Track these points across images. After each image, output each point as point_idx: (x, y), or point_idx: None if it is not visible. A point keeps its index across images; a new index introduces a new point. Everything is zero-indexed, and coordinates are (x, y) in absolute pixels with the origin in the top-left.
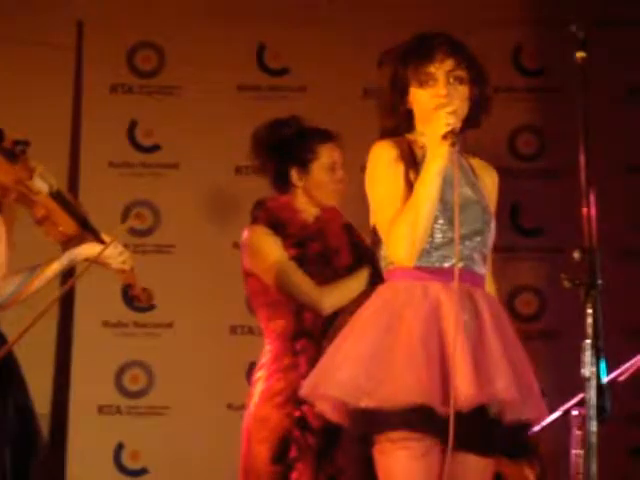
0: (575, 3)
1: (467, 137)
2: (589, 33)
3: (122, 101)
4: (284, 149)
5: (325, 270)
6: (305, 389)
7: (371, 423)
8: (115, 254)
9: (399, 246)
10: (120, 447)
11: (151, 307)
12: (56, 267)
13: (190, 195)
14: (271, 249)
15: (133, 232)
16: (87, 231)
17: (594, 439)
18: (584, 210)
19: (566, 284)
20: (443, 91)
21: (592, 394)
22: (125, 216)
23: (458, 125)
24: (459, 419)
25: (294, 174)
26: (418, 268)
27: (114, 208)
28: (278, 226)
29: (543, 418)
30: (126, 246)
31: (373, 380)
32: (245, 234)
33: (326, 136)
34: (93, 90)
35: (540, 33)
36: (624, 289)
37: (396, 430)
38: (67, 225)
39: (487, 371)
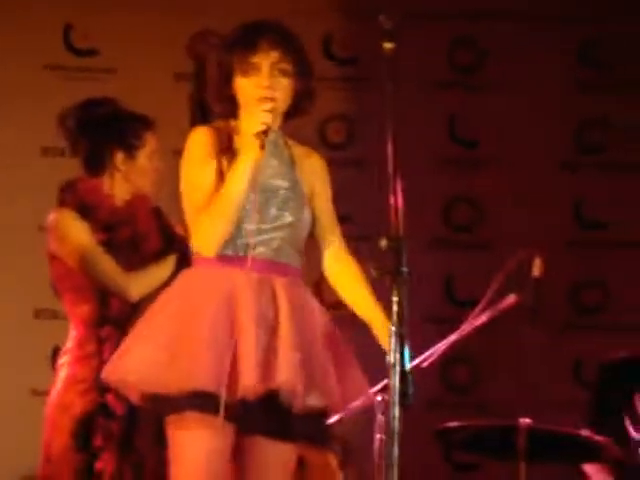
0: None
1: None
2: (399, 24)
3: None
4: (103, 130)
5: (133, 256)
6: (104, 373)
7: (162, 406)
8: None
9: (201, 237)
10: None
11: None
12: None
13: None
14: (78, 233)
15: None
16: None
17: (397, 424)
18: (391, 199)
19: (373, 272)
20: (265, 82)
21: (396, 380)
22: None
23: (276, 123)
24: (253, 406)
25: (119, 158)
26: (222, 256)
27: None
28: (86, 210)
29: (340, 406)
30: None
31: (161, 365)
32: (51, 217)
33: (149, 122)
34: None
35: (351, 22)
36: (429, 277)
37: (184, 412)
38: None
39: (273, 361)
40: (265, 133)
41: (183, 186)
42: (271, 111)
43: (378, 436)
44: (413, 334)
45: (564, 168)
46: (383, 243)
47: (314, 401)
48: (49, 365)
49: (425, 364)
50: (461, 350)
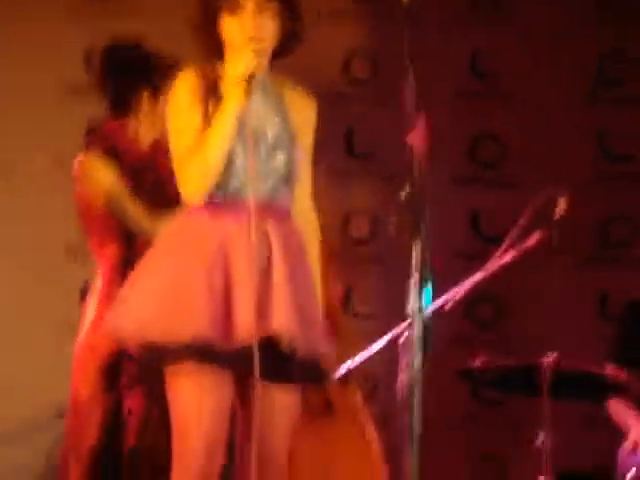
0: None
1: (298, 60)
2: None
3: None
4: (129, 70)
5: (159, 199)
6: (106, 323)
7: (160, 356)
8: None
9: (187, 184)
10: None
11: None
12: None
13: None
14: (105, 176)
15: None
16: None
17: (419, 375)
18: (409, 137)
19: (391, 230)
20: (251, 22)
21: (417, 329)
22: None
23: (262, 64)
24: (251, 352)
25: (145, 99)
26: (213, 203)
27: None
28: (113, 153)
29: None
30: None
31: (159, 314)
32: (78, 160)
33: (175, 64)
34: None
35: None
36: (455, 213)
37: (182, 362)
38: None
39: (269, 308)
40: (251, 77)
41: (169, 132)
42: (257, 52)
43: (401, 376)
44: (441, 270)
45: (586, 102)
46: (402, 195)
47: (316, 345)
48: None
49: (449, 305)
50: (486, 287)
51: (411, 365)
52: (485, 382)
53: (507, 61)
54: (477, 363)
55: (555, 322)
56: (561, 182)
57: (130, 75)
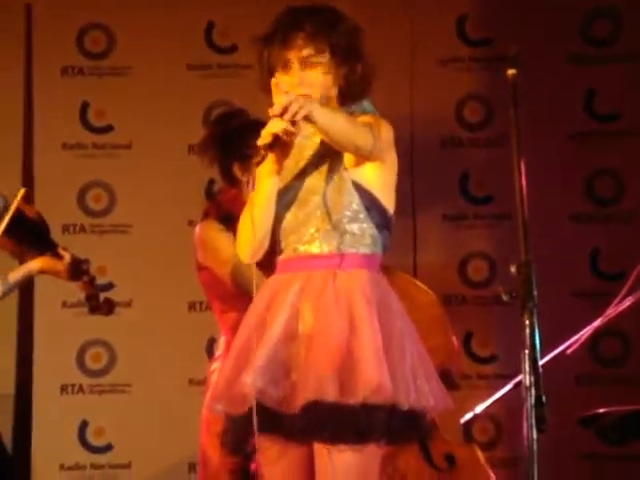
0: None
1: (414, 106)
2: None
3: (73, 83)
4: (228, 143)
5: (272, 264)
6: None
7: (240, 431)
8: (71, 268)
9: (239, 248)
10: (84, 424)
11: (110, 287)
12: (12, 279)
13: (144, 174)
14: (224, 245)
15: (89, 212)
16: (44, 248)
17: (535, 446)
18: (516, 181)
19: (504, 297)
20: (295, 80)
21: (531, 404)
22: (81, 197)
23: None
24: (301, 413)
25: (237, 169)
26: (282, 259)
27: (70, 190)
28: (229, 220)
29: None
30: (82, 227)
31: (228, 384)
32: (197, 229)
33: None
34: (44, 73)
35: (484, 3)
36: (574, 251)
37: (254, 436)
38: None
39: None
40: (270, 146)
41: None
42: (282, 114)
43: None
44: (562, 309)
45: None
46: (513, 269)
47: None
48: (204, 355)
49: (570, 351)
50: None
51: (529, 416)
52: (609, 428)
53: (625, 98)
54: (600, 410)
55: None
56: None
57: (225, 146)
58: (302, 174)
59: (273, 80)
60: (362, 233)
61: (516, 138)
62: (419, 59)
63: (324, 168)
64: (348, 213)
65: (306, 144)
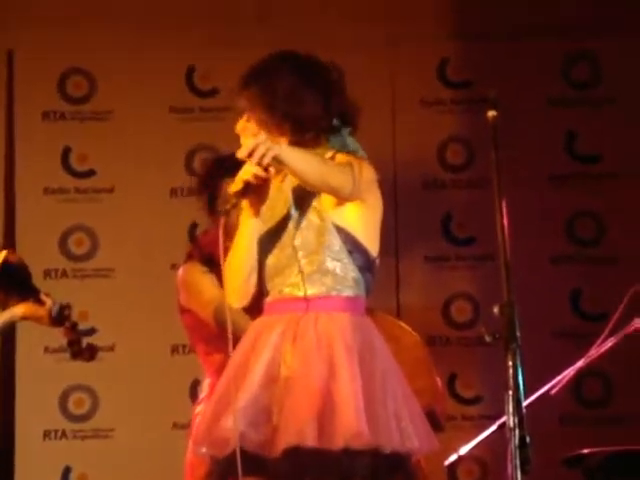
0: (496, 16)
1: (397, 147)
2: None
3: (55, 128)
4: (212, 185)
5: (261, 304)
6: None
7: (224, 474)
8: (53, 314)
9: (228, 294)
10: (67, 470)
11: (92, 331)
12: None
13: (126, 218)
14: (207, 287)
15: (71, 257)
16: (26, 294)
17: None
18: (498, 222)
19: (487, 338)
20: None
21: (515, 444)
22: (63, 242)
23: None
24: (283, 458)
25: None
26: (268, 301)
27: (52, 234)
28: (213, 263)
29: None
30: (64, 272)
31: (210, 427)
32: (180, 272)
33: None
34: (26, 118)
35: (465, 46)
36: (555, 292)
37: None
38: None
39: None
40: (243, 192)
41: None
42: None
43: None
44: (544, 350)
45: None
46: (496, 310)
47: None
48: (188, 399)
49: (554, 391)
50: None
51: (514, 457)
52: (595, 468)
53: (606, 141)
54: (585, 450)
55: None
56: None
57: (212, 188)
58: (283, 216)
59: (238, 124)
60: (344, 275)
61: (497, 180)
62: (401, 101)
63: (304, 209)
64: (330, 255)
65: (285, 185)
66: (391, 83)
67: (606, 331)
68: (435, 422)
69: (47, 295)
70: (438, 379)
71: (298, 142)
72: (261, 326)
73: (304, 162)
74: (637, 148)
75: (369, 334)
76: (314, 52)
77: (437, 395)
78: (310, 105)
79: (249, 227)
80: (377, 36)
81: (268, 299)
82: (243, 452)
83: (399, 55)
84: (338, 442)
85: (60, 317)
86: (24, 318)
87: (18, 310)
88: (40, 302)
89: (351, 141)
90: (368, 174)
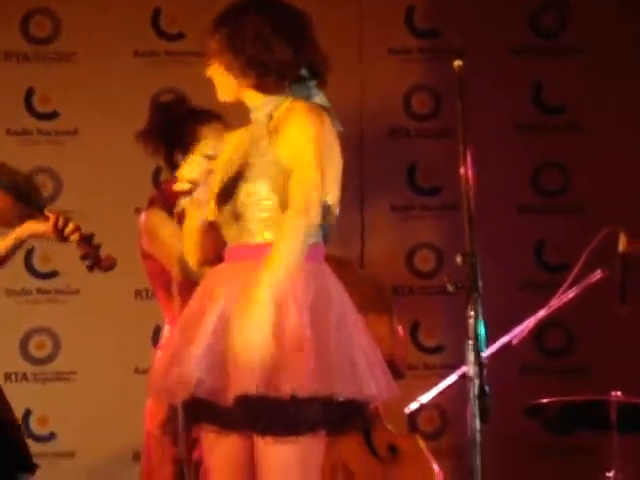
0: None
1: (364, 96)
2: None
3: (18, 69)
4: (170, 133)
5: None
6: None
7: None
8: (60, 228)
9: (187, 254)
10: (28, 413)
11: (54, 274)
12: (3, 249)
13: (90, 161)
14: (168, 235)
15: None
16: (29, 208)
17: (479, 436)
18: (462, 172)
19: (449, 287)
20: None
21: (474, 394)
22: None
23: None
24: (235, 405)
25: (179, 158)
26: (227, 249)
27: None
28: (173, 211)
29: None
30: None
31: (166, 373)
32: (143, 218)
33: (209, 117)
34: None
35: None
36: (520, 243)
37: (192, 424)
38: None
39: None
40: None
41: None
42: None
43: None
44: (507, 300)
45: None
46: (459, 259)
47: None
48: (151, 344)
49: (515, 341)
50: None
51: (473, 406)
52: (553, 418)
53: (571, 92)
54: (544, 400)
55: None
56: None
57: (166, 137)
58: (239, 165)
59: (209, 68)
60: None
61: (462, 129)
62: (368, 50)
63: (259, 158)
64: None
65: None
66: (358, 32)
67: (568, 281)
68: (395, 370)
69: (51, 212)
70: (400, 328)
71: (260, 86)
72: (217, 274)
73: (284, 264)
74: (603, 99)
75: (325, 281)
76: None
77: (398, 343)
78: (278, 51)
79: (195, 217)
80: None
81: (227, 247)
82: (198, 399)
83: (366, 3)
84: (285, 390)
85: (64, 231)
86: (30, 236)
87: (24, 229)
88: (45, 218)
89: (316, 92)
90: (328, 138)
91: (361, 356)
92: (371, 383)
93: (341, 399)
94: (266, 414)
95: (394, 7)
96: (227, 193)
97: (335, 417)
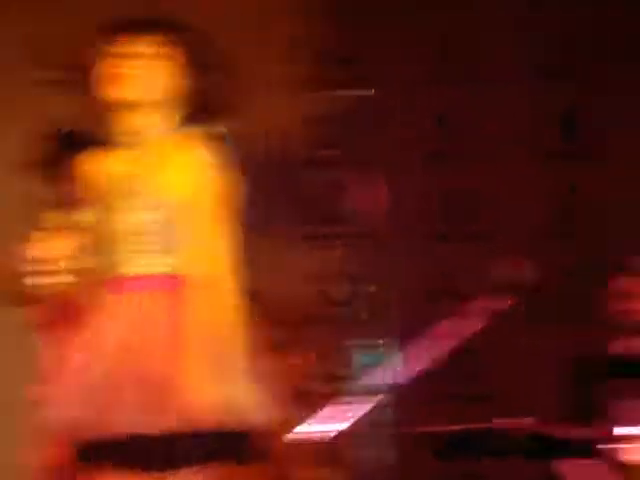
0: None
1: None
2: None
3: None
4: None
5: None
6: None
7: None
8: None
9: None
10: None
11: None
12: None
13: None
14: None
15: None
16: None
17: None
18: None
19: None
20: None
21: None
22: None
23: None
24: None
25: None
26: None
27: None
28: None
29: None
30: None
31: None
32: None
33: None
34: None
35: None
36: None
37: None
38: None
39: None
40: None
41: None
42: None
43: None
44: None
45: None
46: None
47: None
48: None
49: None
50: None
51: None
52: (445, 445)
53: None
54: (433, 428)
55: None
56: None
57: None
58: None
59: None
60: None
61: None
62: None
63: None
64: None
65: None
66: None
67: (475, 308)
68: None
69: None
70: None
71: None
72: (110, 304)
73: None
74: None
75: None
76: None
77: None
78: (199, 83)
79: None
80: None
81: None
82: (91, 440)
83: None
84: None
85: None
86: None
87: None
88: None
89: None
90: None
91: (239, 382)
92: (248, 411)
93: (227, 429)
94: (146, 452)
95: None
96: (106, 224)
97: (215, 449)
